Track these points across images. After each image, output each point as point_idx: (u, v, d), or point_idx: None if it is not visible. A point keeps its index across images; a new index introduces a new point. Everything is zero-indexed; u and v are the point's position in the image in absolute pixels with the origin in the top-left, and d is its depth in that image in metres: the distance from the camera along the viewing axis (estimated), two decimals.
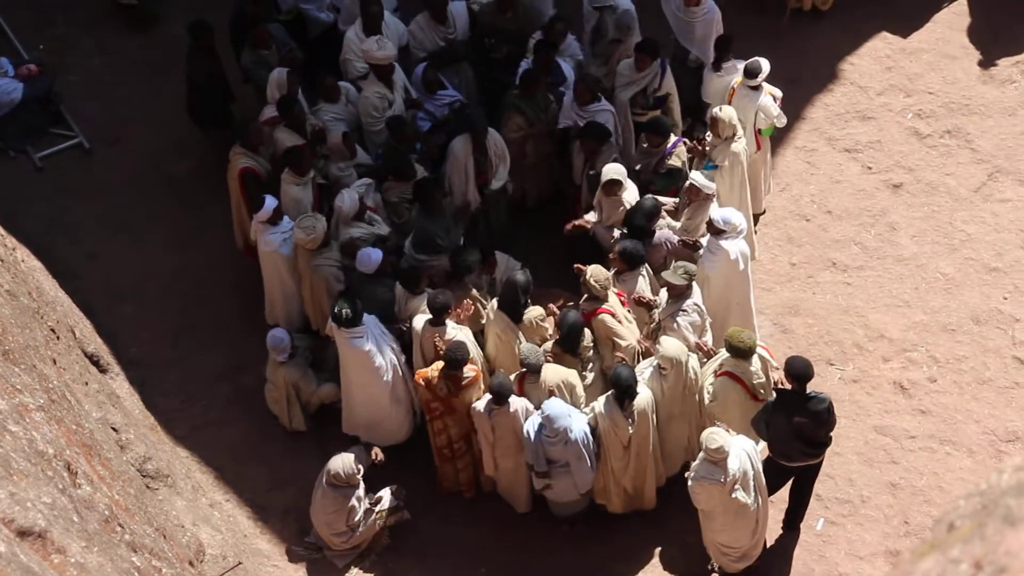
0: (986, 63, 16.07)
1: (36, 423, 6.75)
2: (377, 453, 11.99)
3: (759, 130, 14.21)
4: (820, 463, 11.81)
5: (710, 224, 12.43)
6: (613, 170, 13.04)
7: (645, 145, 13.87)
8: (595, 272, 12.14)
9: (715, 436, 10.69)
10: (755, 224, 14.49)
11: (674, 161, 13.67)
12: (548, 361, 11.81)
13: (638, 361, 12.14)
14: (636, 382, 11.38)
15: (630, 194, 13.19)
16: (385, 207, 13.48)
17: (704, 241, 12.64)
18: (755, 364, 11.60)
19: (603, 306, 12.15)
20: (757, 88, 13.94)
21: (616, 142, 13.93)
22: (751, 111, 13.99)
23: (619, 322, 12.18)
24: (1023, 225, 14.56)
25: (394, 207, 13.49)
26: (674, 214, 13.24)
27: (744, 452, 10.96)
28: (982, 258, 14.30)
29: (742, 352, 11.44)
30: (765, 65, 13.86)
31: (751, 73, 13.83)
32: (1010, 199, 14.81)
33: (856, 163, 15.28)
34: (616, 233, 12.90)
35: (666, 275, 12.16)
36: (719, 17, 14.92)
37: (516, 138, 14.10)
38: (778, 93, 14.25)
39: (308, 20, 15.06)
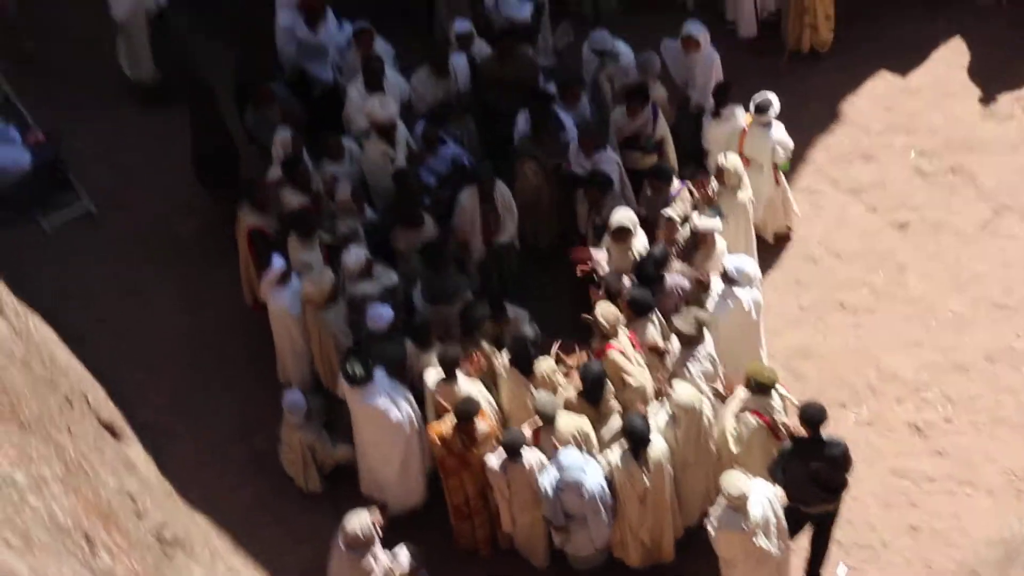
0: (986, 99, 16.12)
1: (55, 494, 6.72)
2: (373, 511, 11.60)
3: (775, 165, 14.32)
4: (838, 508, 11.72)
5: (724, 275, 12.50)
6: (622, 218, 13.08)
7: (649, 192, 13.90)
8: (604, 309, 12.23)
9: (736, 482, 10.64)
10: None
11: (679, 206, 13.68)
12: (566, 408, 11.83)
13: (648, 402, 12.15)
14: (650, 431, 11.32)
15: (639, 242, 13.22)
16: (395, 255, 13.56)
17: (714, 282, 12.71)
18: (775, 400, 11.61)
19: (612, 343, 12.18)
20: (769, 124, 14.01)
21: (622, 191, 13.97)
22: (767, 147, 14.13)
23: (629, 360, 12.21)
24: None
25: (403, 256, 13.54)
26: (682, 254, 13.27)
27: (765, 498, 10.89)
28: (991, 295, 14.26)
29: (765, 387, 11.47)
30: (774, 99, 14.00)
31: (762, 109, 13.95)
32: (1017, 235, 14.80)
33: (860, 204, 15.32)
34: (626, 280, 12.87)
35: (676, 321, 12.19)
36: (719, 62, 15.08)
37: (532, 184, 14.19)
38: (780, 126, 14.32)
39: (310, 79, 15.16)
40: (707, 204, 13.45)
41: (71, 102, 16.04)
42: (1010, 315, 14.09)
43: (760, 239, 14.63)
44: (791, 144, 14.37)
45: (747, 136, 14.19)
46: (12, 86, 15.65)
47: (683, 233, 13.36)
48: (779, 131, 14.20)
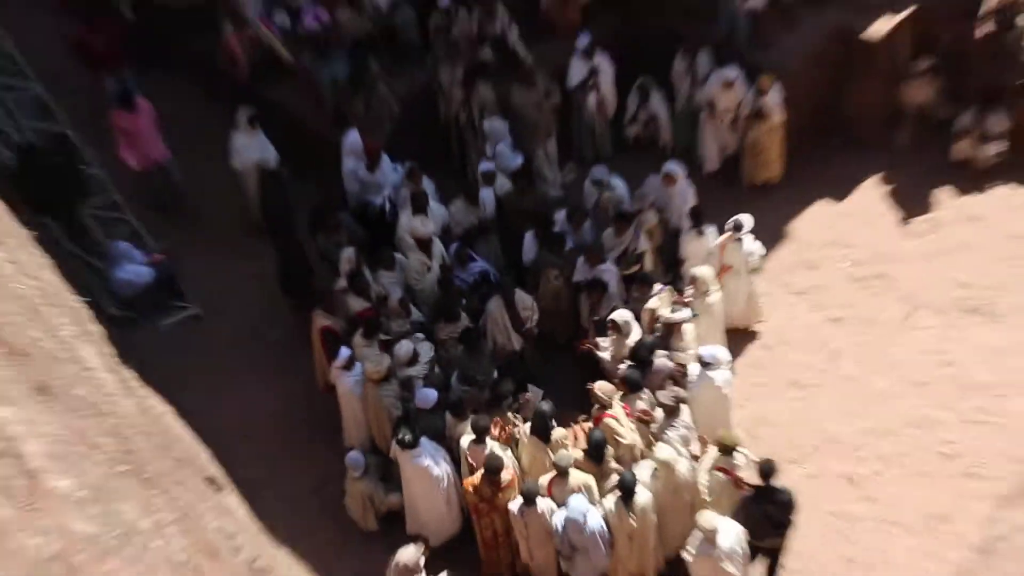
0: (903, 220, 16.23)
1: (171, 536, 6.82)
2: (419, 546, 11.79)
3: (751, 271, 14.55)
4: (786, 542, 11.83)
5: (700, 359, 12.67)
6: (621, 316, 13.44)
7: (636, 294, 14.10)
8: (601, 385, 12.55)
9: (710, 519, 10.84)
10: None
11: (658, 301, 13.89)
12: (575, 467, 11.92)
13: (636, 458, 12.25)
14: (636, 485, 11.48)
15: (635, 335, 13.44)
16: (436, 344, 13.69)
17: (691, 367, 12.85)
18: (739, 459, 11.73)
19: (608, 412, 12.38)
20: (743, 239, 14.25)
21: (619, 295, 14.18)
22: (742, 257, 14.34)
23: (621, 425, 12.33)
24: (940, 348, 14.63)
25: (443, 344, 13.71)
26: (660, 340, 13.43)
27: (733, 532, 11.02)
28: (910, 375, 14.32)
29: (730, 449, 11.65)
30: (748, 220, 14.24)
31: (738, 227, 14.19)
32: (930, 327, 14.88)
33: (805, 303, 15.42)
34: (622, 365, 13.07)
35: (659, 396, 12.43)
36: (693, 191, 15.32)
37: (554, 287, 14.37)
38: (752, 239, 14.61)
39: (369, 206, 15.31)
40: (679, 304, 13.70)
41: (189, 231, 16.22)
42: (926, 391, 14.13)
43: (736, 329, 14.88)
44: (758, 256, 14.57)
45: (726, 249, 14.40)
46: (140, 219, 15.88)
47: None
48: (751, 244, 14.42)
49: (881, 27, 16.39)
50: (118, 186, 15.88)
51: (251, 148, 15.45)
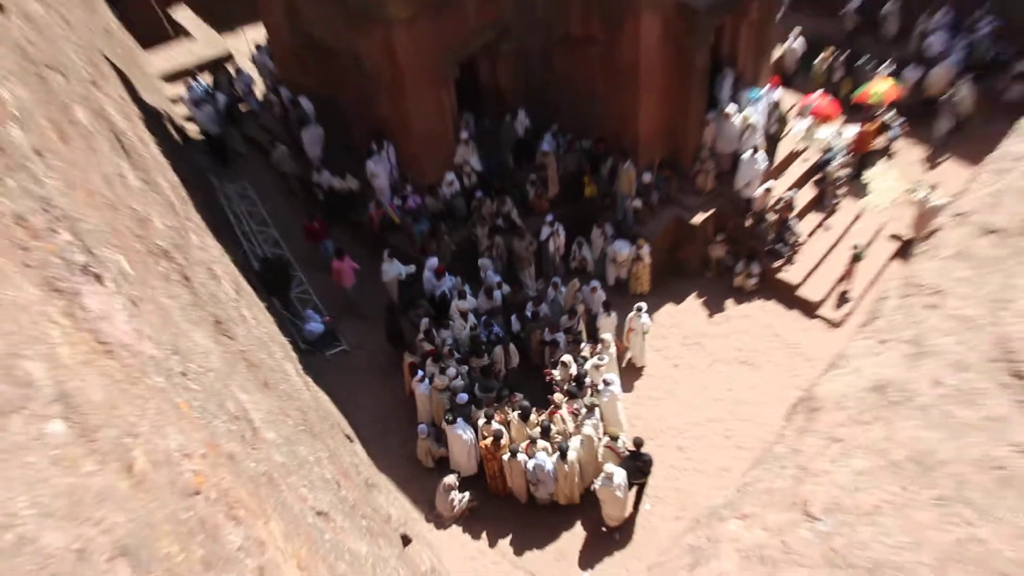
0: (711, 315, 16.09)
1: (325, 465, 6.72)
2: (456, 475, 11.93)
3: (644, 333, 14.39)
4: (647, 481, 11.67)
5: (605, 381, 12.55)
6: (566, 358, 13.34)
7: (572, 347, 13.93)
8: (557, 395, 12.44)
9: (610, 466, 10.83)
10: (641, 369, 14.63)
11: (585, 351, 13.75)
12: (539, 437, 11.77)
13: (570, 436, 12.00)
14: (568, 450, 11.38)
15: (574, 368, 13.25)
16: (468, 370, 13.45)
17: (601, 386, 12.67)
18: (620, 442, 11.53)
19: (558, 410, 12.22)
20: (641, 315, 14.17)
21: (565, 348, 13.99)
22: (641, 325, 14.22)
23: (563, 418, 12.16)
24: (726, 382, 14.46)
25: (472, 370, 13.50)
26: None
27: (621, 475, 10.92)
28: (713, 394, 14.15)
29: (615, 437, 11.48)
30: (644, 305, 14.22)
31: (639, 308, 14.16)
32: (722, 371, 14.70)
33: (659, 356, 15.13)
34: (567, 384, 12.92)
35: (585, 400, 12.31)
36: (604, 294, 15.15)
37: (538, 339, 14.23)
38: (647, 316, 14.39)
39: (436, 295, 15.12)
40: (595, 353, 13.58)
41: (350, 309, 15.95)
42: (718, 403, 13.97)
43: (632, 367, 14.72)
44: (649, 323, 14.40)
45: (633, 320, 14.31)
46: (320, 299, 15.77)
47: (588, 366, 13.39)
48: (646, 318, 14.28)
49: (698, 218, 16.51)
50: (326, 296, 15.67)
51: (392, 269, 15.28)
